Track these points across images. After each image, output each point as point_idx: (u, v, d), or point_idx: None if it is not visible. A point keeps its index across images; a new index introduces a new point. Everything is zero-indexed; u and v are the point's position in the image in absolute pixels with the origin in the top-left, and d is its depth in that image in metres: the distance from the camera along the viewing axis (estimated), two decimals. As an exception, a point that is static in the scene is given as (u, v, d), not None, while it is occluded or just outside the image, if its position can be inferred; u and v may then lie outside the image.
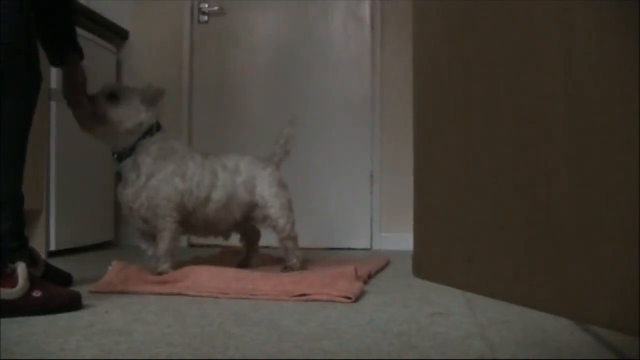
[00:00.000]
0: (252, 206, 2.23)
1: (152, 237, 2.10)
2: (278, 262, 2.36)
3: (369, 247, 3.40)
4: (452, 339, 1.25)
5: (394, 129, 3.34)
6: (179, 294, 1.76)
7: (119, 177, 2.09)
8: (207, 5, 3.54)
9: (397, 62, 3.36)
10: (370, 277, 2.13)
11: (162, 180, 2.04)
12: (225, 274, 1.91)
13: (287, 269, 2.25)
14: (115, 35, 3.45)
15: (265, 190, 2.22)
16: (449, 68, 1.06)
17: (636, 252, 0.66)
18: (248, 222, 2.30)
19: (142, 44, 3.58)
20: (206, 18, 3.55)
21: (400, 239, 3.18)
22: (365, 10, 3.48)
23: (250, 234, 2.41)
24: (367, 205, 3.42)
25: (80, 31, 2.90)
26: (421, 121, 1.15)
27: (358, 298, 1.70)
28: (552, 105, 0.80)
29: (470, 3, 0.98)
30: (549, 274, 0.80)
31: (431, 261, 1.12)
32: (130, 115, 2.03)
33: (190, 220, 2.13)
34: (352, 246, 3.39)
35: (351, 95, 3.45)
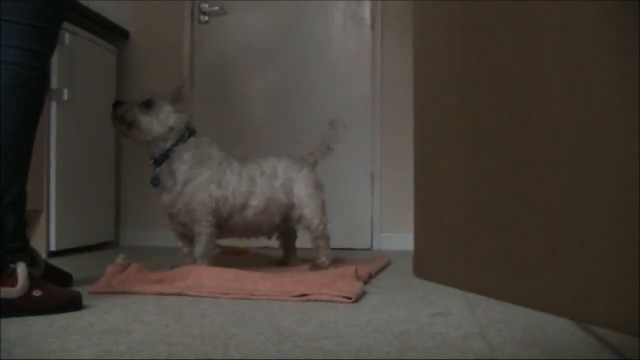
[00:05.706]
0: (290, 207, 2.31)
1: (189, 238, 2.20)
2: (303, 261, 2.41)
3: (369, 247, 3.40)
4: (451, 339, 1.25)
5: (394, 129, 3.33)
6: (179, 294, 1.76)
7: (155, 183, 2.15)
8: (207, 5, 3.54)
9: (397, 62, 3.35)
10: (370, 277, 2.13)
11: (198, 187, 2.12)
12: (225, 274, 1.91)
13: (315, 266, 2.31)
14: (116, 35, 3.44)
15: (302, 191, 2.30)
16: (449, 68, 1.06)
17: (636, 252, 0.66)
18: (286, 222, 2.35)
19: (142, 43, 3.57)
20: (206, 18, 3.55)
21: (401, 239, 3.17)
22: (365, 10, 3.48)
23: (288, 234, 2.47)
24: (367, 205, 3.42)
25: (80, 31, 2.92)
26: (421, 121, 1.15)
27: (358, 298, 1.70)
28: (552, 106, 0.80)
29: (470, 3, 0.98)
30: (549, 274, 0.80)
31: (431, 261, 1.12)
32: (159, 121, 2.10)
33: (229, 224, 2.21)
34: (353, 246, 3.37)
35: (351, 95, 3.45)
